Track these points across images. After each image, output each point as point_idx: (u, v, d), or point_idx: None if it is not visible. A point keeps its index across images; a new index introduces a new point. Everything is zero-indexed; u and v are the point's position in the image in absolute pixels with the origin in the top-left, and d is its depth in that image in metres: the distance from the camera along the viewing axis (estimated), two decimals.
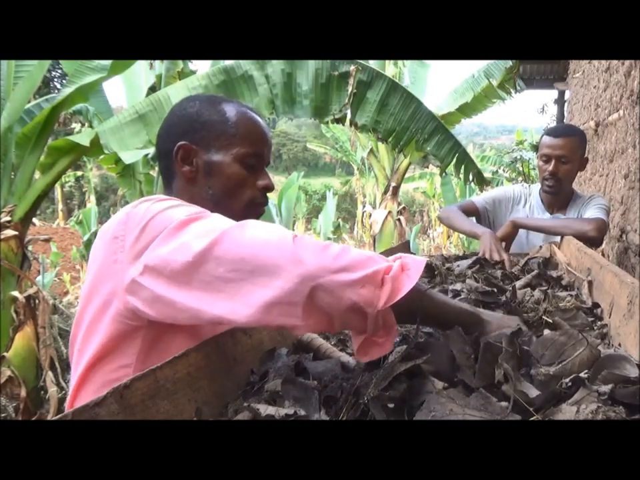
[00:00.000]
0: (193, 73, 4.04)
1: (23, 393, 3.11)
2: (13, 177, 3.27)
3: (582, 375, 0.69)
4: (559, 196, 2.15)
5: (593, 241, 1.82)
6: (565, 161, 2.06)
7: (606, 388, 0.66)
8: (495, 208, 2.23)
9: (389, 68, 6.43)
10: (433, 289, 1.26)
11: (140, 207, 0.87)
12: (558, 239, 1.89)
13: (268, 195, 1.08)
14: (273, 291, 0.70)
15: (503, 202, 2.24)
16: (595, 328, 1.05)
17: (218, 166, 1.01)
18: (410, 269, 0.73)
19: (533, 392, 0.66)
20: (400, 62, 6.43)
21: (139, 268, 0.81)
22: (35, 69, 3.17)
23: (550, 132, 2.16)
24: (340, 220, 18.61)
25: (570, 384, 0.68)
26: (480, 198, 2.27)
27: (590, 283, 1.28)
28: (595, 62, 3.50)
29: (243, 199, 1.02)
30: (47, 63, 3.27)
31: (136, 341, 0.89)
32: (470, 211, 2.19)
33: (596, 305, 1.16)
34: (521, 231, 2.08)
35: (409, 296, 0.71)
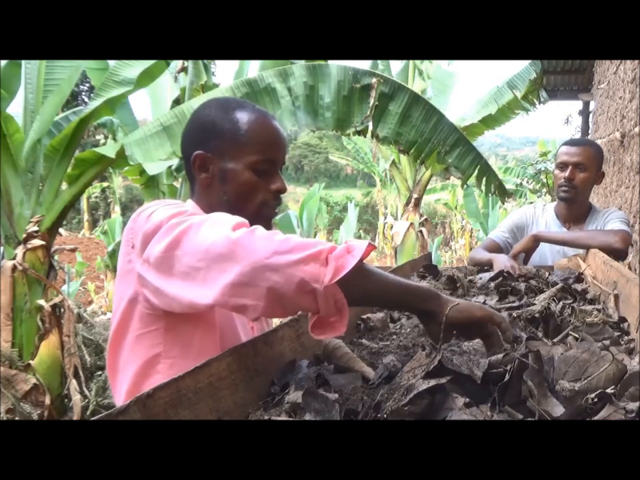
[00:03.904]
0: (216, 86, 4.09)
1: (47, 400, 3.15)
2: (40, 188, 3.34)
3: (608, 391, 0.68)
4: (575, 208, 2.13)
5: (618, 253, 1.79)
6: (581, 168, 2.06)
7: (634, 405, 0.65)
8: (515, 237, 2.20)
9: (416, 81, 6.42)
10: None
11: (144, 211, 0.97)
12: (581, 251, 1.87)
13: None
14: (231, 274, 0.78)
15: (520, 229, 2.22)
16: (622, 343, 1.03)
17: (231, 173, 1.07)
18: (354, 250, 0.78)
19: (558, 410, 0.65)
20: (425, 73, 6.41)
21: (141, 262, 0.93)
22: (64, 82, 3.25)
23: (568, 142, 2.17)
24: (361, 231, 18.58)
25: (596, 400, 0.66)
26: (499, 233, 2.24)
27: (616, 297, 1.26)
28: (621, 73, 3.46)
29: (256, 202, 1.08)
30: (76, 77, 3.35)
31: (159, 331, 0.99)
32: (492, 249, 2.14)
33: (622, 319, 1.14)
34: (544, 245, 2.05)
35: (355, 274, 0.76)
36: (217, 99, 1.17)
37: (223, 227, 0.82)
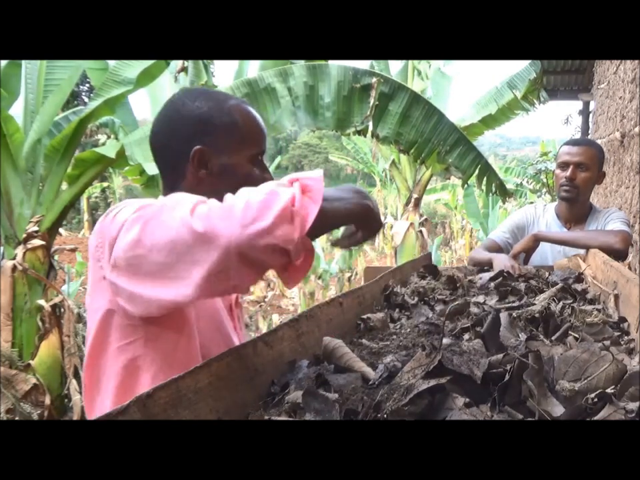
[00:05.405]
0: (216, 86, 4.09)
1: (47, 400, 3.15)
2: (40, 188, 3.34)
3: (608, 391, 0.68)
4: (576, 208, 2.13)
5: (618, 253, 1.79)
6: (583, 168, 2.05)
7: (634, 405, 0.65)
8: (515, 237, 2.19)
9: (415, 81, 6.43)
10: (455, 301, 1.25)
11: (110, 212, 0.91)
12: (581, 251, 1.86)
13: None
14: (206, 264, 0.74)
15: (521, 229, 2.21)
16: (622, 343, 1.03)
17: (232, 168, 1.04)
18: (311, 191, 0.76)
19: (558, 410, 0.65)
20: (423, 74, 6.42)
21: (110, 268, 0.86)
22: (64, 82, 3.25)
23: (569, 142, 2.17)
24: None
25: (596, 400, 0.66)
26: (499, 233, 2.24)
27: (616, 297, 1.26)
28: (621, 73, 3.46)
29: None
30: (76, 77, 3.35)
31: (138, 342, 0.94)
32: (493, 249, 2.13)
33: (622, 319, 1.14)
34: (545, 245, 2.05)
35: (317, 218, 0.75)
36: (198, 90, 1.11)
37: (181, 213, 0.76)
